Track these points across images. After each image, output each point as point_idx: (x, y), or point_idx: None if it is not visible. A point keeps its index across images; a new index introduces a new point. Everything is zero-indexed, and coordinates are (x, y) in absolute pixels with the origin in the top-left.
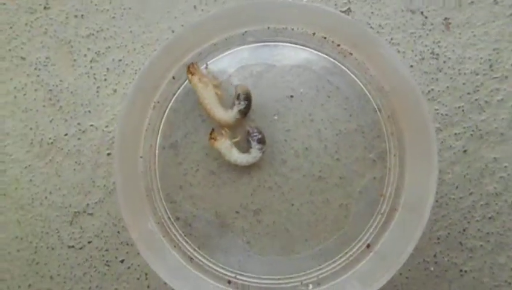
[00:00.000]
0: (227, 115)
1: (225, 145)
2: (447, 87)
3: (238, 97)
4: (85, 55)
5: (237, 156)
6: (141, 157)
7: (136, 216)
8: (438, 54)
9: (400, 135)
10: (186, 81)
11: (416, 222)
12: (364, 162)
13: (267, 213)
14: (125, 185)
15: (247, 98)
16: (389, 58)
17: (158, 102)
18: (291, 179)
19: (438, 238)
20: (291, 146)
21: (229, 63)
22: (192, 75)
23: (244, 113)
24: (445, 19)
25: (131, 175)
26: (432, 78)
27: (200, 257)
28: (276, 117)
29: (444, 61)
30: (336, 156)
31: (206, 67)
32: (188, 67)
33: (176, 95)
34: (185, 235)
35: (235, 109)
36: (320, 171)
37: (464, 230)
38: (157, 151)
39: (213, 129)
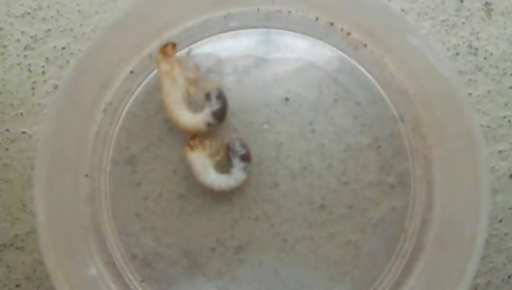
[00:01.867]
0: (196, 119)
1: (201, 160)
2: (489, 91)
3: (208, 96)
4: (18, 41)
5: (214, 178)
6: (86, 175)
7: (69, 258)
8: (476, 49)
9: (428, 152)
10: (149, 76)
11: (453, 268)
12: (380, 187)
13: (252, 251)
14: (56, 214)
15: (221, 95)
16: (419, 50)
17: (111, 104)
18: (284, 207)
19: (475, 288)
20: (285, 164)
21: (206, 55)
22: (165, 60)
23: (219, 116)
24: (486, 4)
25: (68, 200)
26: (469, 80)
27: None
28: (266, 126)
29: (485, 58)
30: (344, 179)
31: (188, 53)
32: (163, 46)
33: (134, 95)
34: (142, 280)
35: (207, 111)
36: (322, 198)
37: (509, 277)
38: (108, 168)
39: (195, 135)
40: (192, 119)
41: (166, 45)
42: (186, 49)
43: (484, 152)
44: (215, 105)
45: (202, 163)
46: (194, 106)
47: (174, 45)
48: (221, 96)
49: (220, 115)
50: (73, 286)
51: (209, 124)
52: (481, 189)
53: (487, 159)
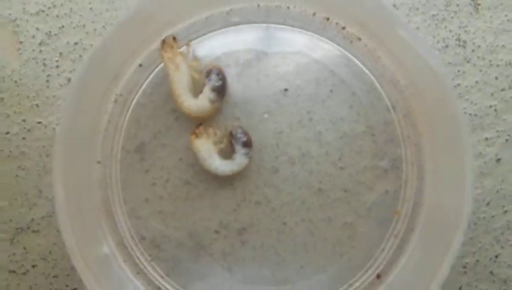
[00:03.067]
0: (198, 102)
1: (206, 147)
2: (476, 82)
3: (208, 74)
4: (33, 37)
5: (218, 164)
6: (99, 162)
7: (85, 238)
8: (465, 41)
9: (419, 139)
10: (157, 69)
11: (441, 248)
12: (374, 171)
13: (254, 233)
14: (72, 197)
15: (220, 73)
16: (409, 43)
17: (121, 95)
18: (284, 191)
19: (464, 267)
20: (285, 151)
21: (210, 49)
22: (166, 51)
23: (219, 91)
24: None
25: (83, 185)
26: (458, 71)
27: (169, 287)
28: (266, 115)
29: (473, 50)
30: (340, 164)
31: (188, 45)
32: (163, 40)
33: (143, 87)
34: (151, 260)
35: (207, 89)
36: (320, 183)
37: (497, 257)
38: (119, 156)
39: (201, 124)
40: (194, 103)
41: (164, 39)
42: (186, 43)
43: (469, 139)
44: (214, 81)
45: (207, 150)
46: (198, 91)
47: (173, 38)
48: (220, 73)
49: (220, 89)
50: (88, 263)
51: (211, 102)
52: (466, 173)
53: (472, 145)
